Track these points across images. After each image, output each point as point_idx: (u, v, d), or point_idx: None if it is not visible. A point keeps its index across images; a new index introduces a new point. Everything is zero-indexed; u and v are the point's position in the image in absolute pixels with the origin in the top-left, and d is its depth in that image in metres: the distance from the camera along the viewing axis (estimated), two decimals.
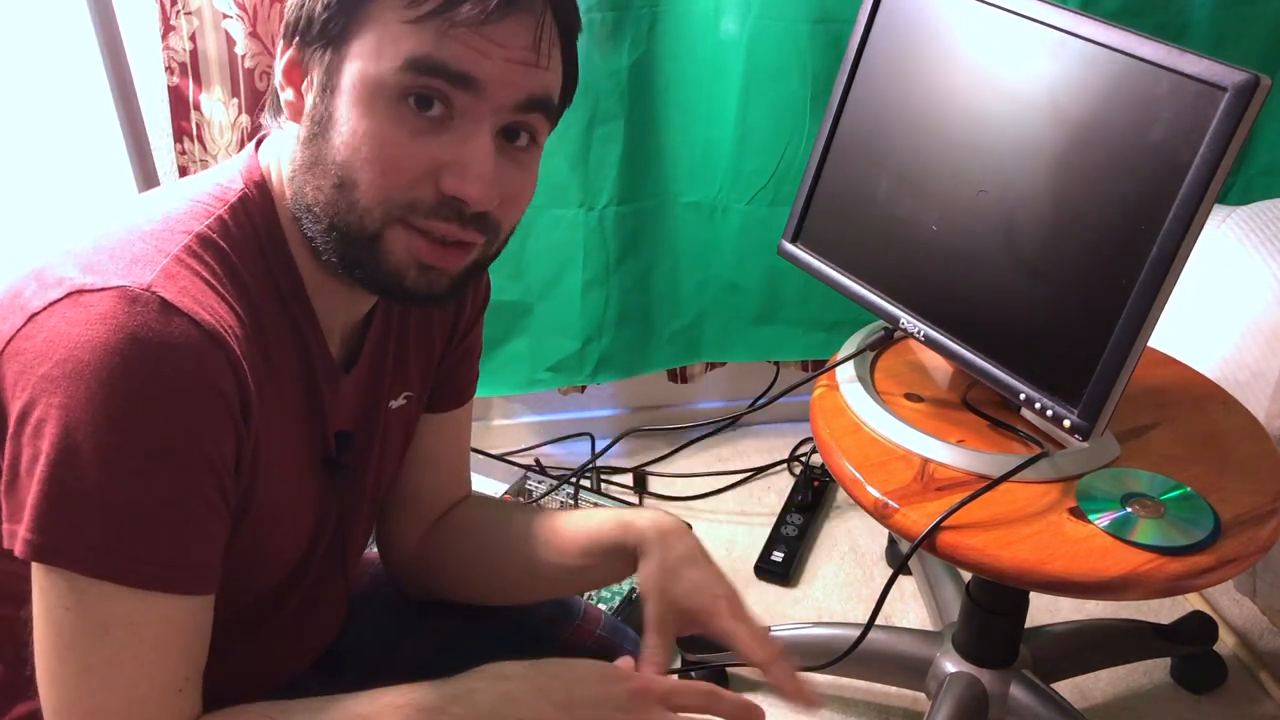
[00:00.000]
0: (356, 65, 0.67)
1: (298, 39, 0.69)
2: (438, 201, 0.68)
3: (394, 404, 0.86)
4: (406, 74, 0.66)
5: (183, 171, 1.51)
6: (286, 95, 0.70)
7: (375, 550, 1.00)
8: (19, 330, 0.63)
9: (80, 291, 0.63)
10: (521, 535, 0.91)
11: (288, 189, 0.72)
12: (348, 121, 0.67)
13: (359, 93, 0.67)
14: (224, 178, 0.73)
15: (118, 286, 0.63)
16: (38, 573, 0.63)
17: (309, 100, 0.69)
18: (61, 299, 0.63)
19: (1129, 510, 0.98)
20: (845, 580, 1.66)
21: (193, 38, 1.42)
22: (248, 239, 0.71)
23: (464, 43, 0.65)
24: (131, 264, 0.65)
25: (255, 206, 0.72)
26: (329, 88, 0.68)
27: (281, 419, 0.73)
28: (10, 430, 0.63)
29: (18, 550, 0.62)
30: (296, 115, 0.70)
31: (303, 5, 0.68)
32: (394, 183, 0.67)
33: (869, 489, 1.03)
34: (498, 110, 0.68)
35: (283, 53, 0.70)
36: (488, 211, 0.70)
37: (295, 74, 0.70)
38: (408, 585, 0.98)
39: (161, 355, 0.62)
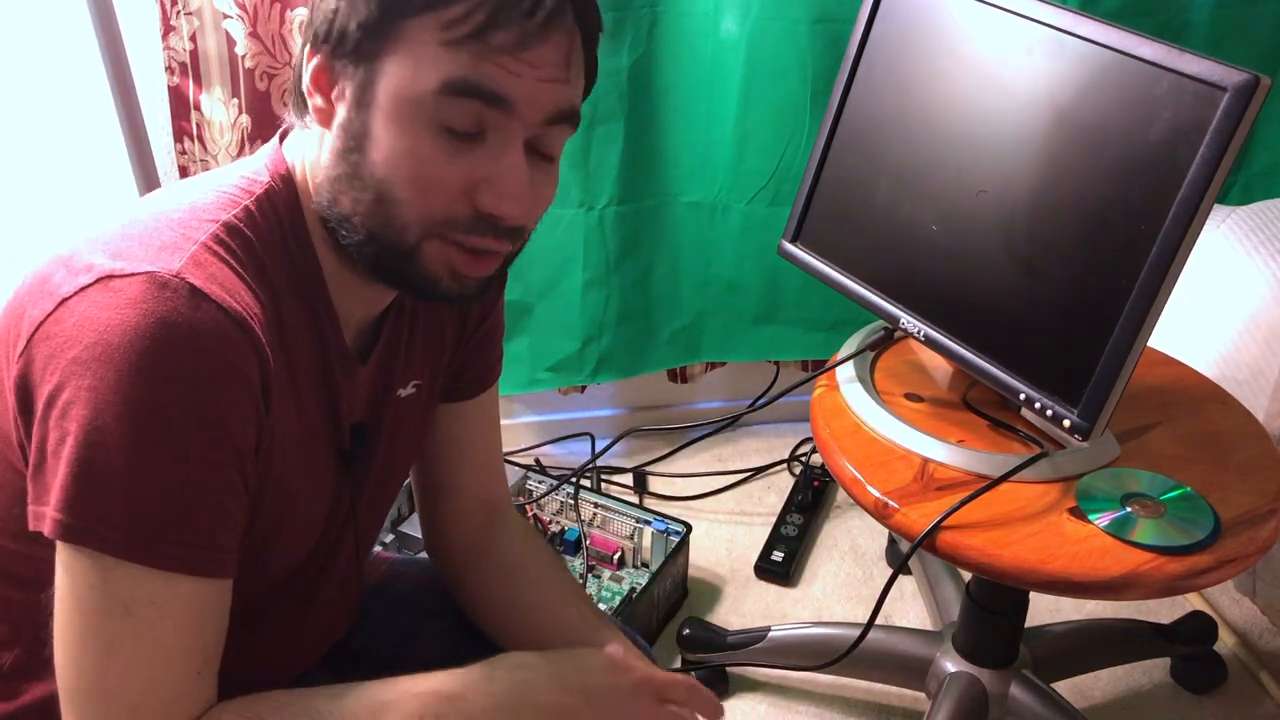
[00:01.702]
0: (392, 83, 0.67)
1: (327, 48, 0.69)
2: (474, 218, 0.71)
3: (402, 393, 0.86)
4: (443, 96, 0.67)
5: (183, 171, 1.51)
6: (316, 101, 0.70)
7: (377, 547, 1.00)
8: (49, 315, 0.64)
9: (110, 277, 0.64)
10: (556, 635, 0.91)
11: (318, 193, 0.73)
12: (385, 139, 0.68)
13: (395, 111, 0.68)
14: (250, 170, 0.74)
15: (147, 272, 0.64)
16: (63, 552, 0.64)
17: (341, 111, 0.70)
18: (91, 284, 0.64)
19: (1129, 510, 0.98)
20: (845, 580, 1.66)
21: (193, 38, 1.42)
22: (272, 230, 0.72)
23: (500, 65, 0.67)
24: (160, 250, 0.66)
25: (280, 199, 0.73)
26: (363, 102, 0.68)
27: (298, 407, 0.74)
28: (38, 414, 0.64)
29: (46, 530, 0.63)
30: (325, 121, 0.71)
31: (334, 17, 0.68)
32: (432, 201, 0.69)
33: (869, 489, 1.03)
34: (528, 126, 0.70)
35: (309, 58, 0.70)
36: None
37: (323, 81, 0.70)
38: (449, 586, 0.99)
39: (190, 339, 0.63)
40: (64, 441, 0.62)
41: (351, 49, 0.68)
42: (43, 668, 0.68)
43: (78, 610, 0.64)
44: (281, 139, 0.77)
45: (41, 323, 0.64)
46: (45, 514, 0.63)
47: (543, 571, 0.95)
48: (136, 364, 0.62)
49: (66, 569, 0.64)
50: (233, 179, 0.74)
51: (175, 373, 0.63)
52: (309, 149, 0.74)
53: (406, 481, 1.00)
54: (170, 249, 0.66)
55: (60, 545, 0.64)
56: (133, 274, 0.64)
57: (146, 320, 0.62)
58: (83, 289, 0.64)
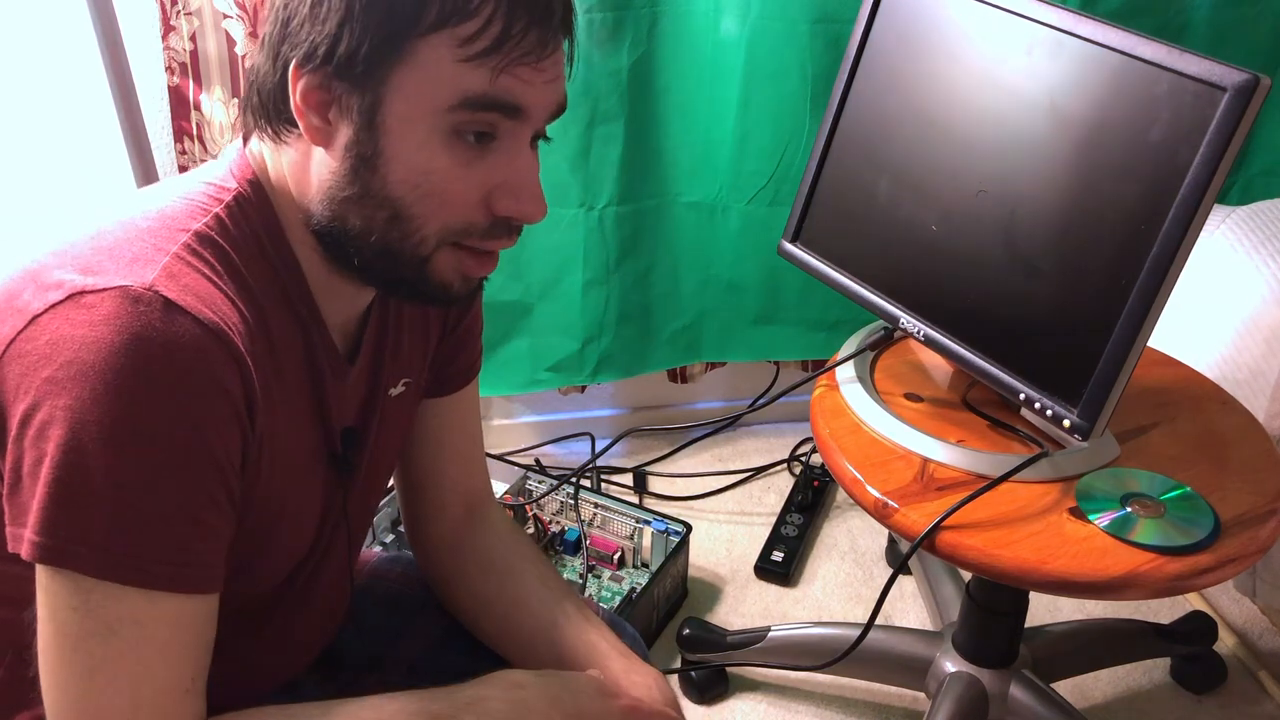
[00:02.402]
0: (405, 102, 0.67)
1: (329, 69, 0.66)
2: (491, 223, 0.71)
3: (393, 392, 0.86)
4: (461, 111, 0.67)
5: (183, 171, 1.51)
6: (312, 120, 0.68)
7: (376, 548, 1.00)
8: (20, 333, 0.63)
9: (82, 293, 0.62)
10: (537, 630, 0.91)
11: (315, 210, 0.71)
12: (400, 157, 0.68)
13: (410, 129, 0.67)
14: (214, 176, 0.73)
15: (120, 286, 0.63)
16: (43, 575, 0.63)
17: (345, 132, 0.68)
18: (63, 301, 0.62)
19: (1129, 510, 0.98)
20: (845, 580, 1.66)
21: (193, 38, 1.42)
22: (246, 237, 0.71)
23: (516, 77, 0.67)
24: (132, 263, 0.64)
25: (252, 206, 0.72)
26: (373, 122, 0.67)
27: (287, 414, 0.73)
28: (12, 434, 0.63)
29: (24, 553, 0.62)
30: (323, 140, 0.69)
31: (337, 40, 0.66)
32: (451, 213, 0.70)
33: (869, 489, 1.03)
34: (534, 125, 0.71)
35: (296, 77, 0.67)
36: None
37: (315, 99, 0.68)
38: (429, 583, 0.99)
39: (166, 355, 0.62)
40: (41, 462, 0.61)
41: (359, 69, 0.66)
42: (28, 690, 0.67)
43: (60, 632, 0.63)
44: (245, 141, 0.75)
45: (12, 341, 0.63)
46: (23, 536, 0.62)
47: (525, 567, 0.95)
48: (113, 382, 0.60)
49: (47, 591, 0.63)
50: (198, 186, 0.72)
51: (153, 390, 0.62)
52: (287, 161, 0.72)
53: None
54: (142, 261, 0.65)
55: (40, 568, 0.63)
56: (105, 289, 0.62)
57: (121, 337, 0.61)
58: (54, 306, 0.62)
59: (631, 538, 1.57)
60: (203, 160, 1.50)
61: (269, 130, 0.72)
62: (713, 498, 1.83)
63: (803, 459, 1.91)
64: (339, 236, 0.71)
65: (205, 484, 0.65)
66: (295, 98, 0.68)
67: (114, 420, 0.61)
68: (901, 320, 1.11)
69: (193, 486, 0.64)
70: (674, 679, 1.46)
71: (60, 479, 0.61)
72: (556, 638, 0.89)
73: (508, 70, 0.66)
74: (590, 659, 0.87)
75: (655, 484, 1.86)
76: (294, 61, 0.67)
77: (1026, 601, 1.25)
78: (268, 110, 0.71)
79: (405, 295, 0.77)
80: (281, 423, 0.72)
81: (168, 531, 0.64)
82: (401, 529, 1.55)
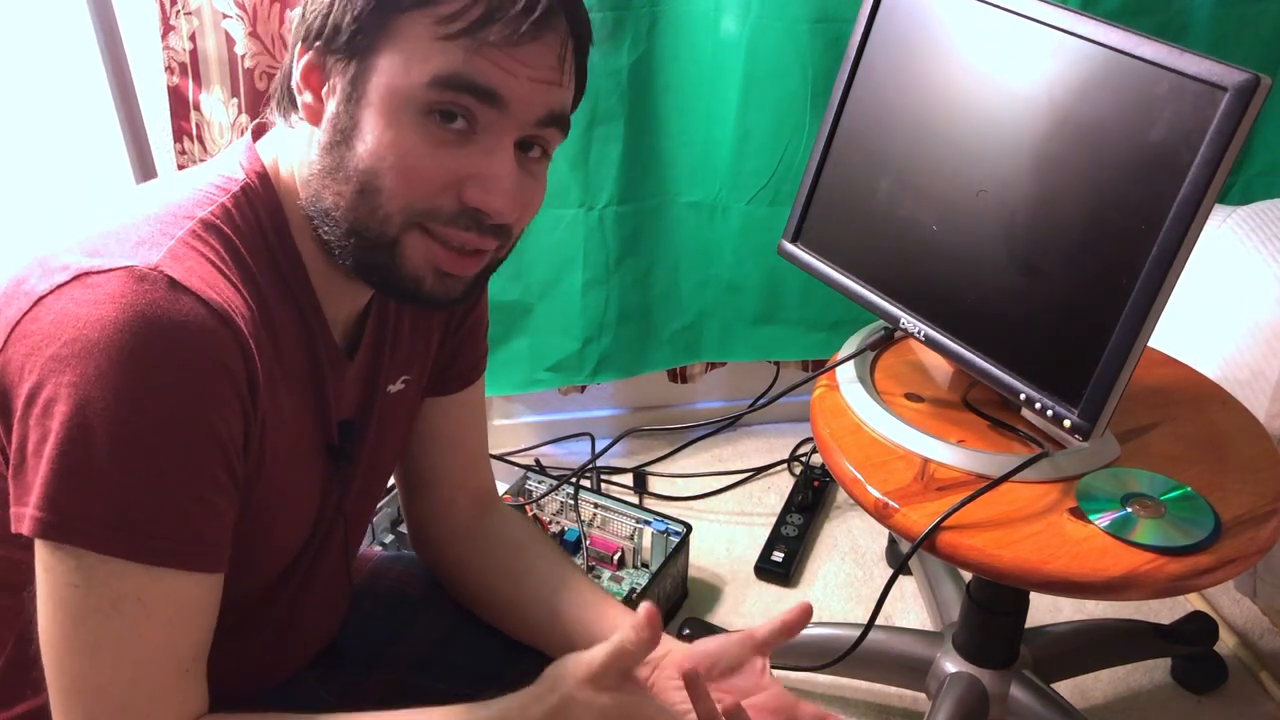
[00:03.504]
0: (384, 77, 0.68)
1: (320, 44, 0.69)
2: (458, 211, 0.70)
3: (392, 389, 0.86)
4: (434, 89, 0.67)
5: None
6: (305, 98, 0.70)
7: (375, 547, 1.00)
8: (25, 314, 0.63)
9: (87, 274, 0.63)
10: (562, 608, 0.91)
11: (303, 190, 0.72)
12: (372, 131, 0.68)
13: (385, 104, 0.68)
14: (224, 168, 0.74)
15: (125, 266, 0.63)
16: (44, 551, 0.63)
17: (331, 106, 0.70)
18: (68, 282, 0.63)
19: (1129, 510, 0.98)
20: (845, 580, 1.66)
21: (192, 38, 1.42)
22: (252, 228, 0.72)
23: (492, 61, 0.67)
24: (138, 245, 0.65)
25: (258, 197, 0.73)
26: (354, 97, 0.68)
27: (287, 404, 0.74)
28: (17, 414, 0.63)
29: (26, 529, 0.62)
30: (315, 118, 0.71)
31: (328, 13, 0.68)
32: (416, 191, 0.69)
33: (869, 489, 1.03)
34: (519, 125, 0.70)
35: (301, 55, 0.70)
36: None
37: (314, 78, 0.70)
38: (441, 579, 0.99)
39: (171, 332, 0.62)
40: (46, 439, 0.62)
41: (345, 43, 0.68)
42: (29, 671, 0.67)
43: (61, 609, 0.64)
44: (255, 136, 0.76)
45: (18, 322, 0.63)
46: (25, 514, 0.62)
47: (547, 548, 0.97)
48: (117, 359, 0.61)
49: (48, 569, 0.63)
50: (208, 177, 0.73)
51: (158, 366, 0.62)
52: (296, 147, 0.73)
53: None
54: (148, 244, 0.66)
55: (41, 545, 0.63)
56: (110, 269, 0.63)
57: (126, 314, 0.61)
58: (59, 286, 0.63)
59: (631, 538, 1.57)
60: (202, 160, 1.49)
61: (287, 120, 0.74)
62: (713, 498, 1.83)
63: (803, 459, 1.91)
64: (319, 216, 0.71)
65: (209, 461, 0.66)
66: (297, 76, 0.70)
67: (118, 396, 0.61)
68: (902, 320, 1.11)
69: (197, 463, 0.65)
70: None
71: (64, 454, 0.61)
72: (589, 618, 0.90)
73: (483, 53, 0.67)
74: (599, 624, 0.88)
75: (655, 484, 1.86)
76: (299, 43, 0.70)
77: (1027, 602, 1.25)
78: (283, 97, 0.73)
79: (380, 285, 0.75)
80: (282, 410, 0.73)
81: (172, 507, 0.64)
82: (401, 529, 1.55)
